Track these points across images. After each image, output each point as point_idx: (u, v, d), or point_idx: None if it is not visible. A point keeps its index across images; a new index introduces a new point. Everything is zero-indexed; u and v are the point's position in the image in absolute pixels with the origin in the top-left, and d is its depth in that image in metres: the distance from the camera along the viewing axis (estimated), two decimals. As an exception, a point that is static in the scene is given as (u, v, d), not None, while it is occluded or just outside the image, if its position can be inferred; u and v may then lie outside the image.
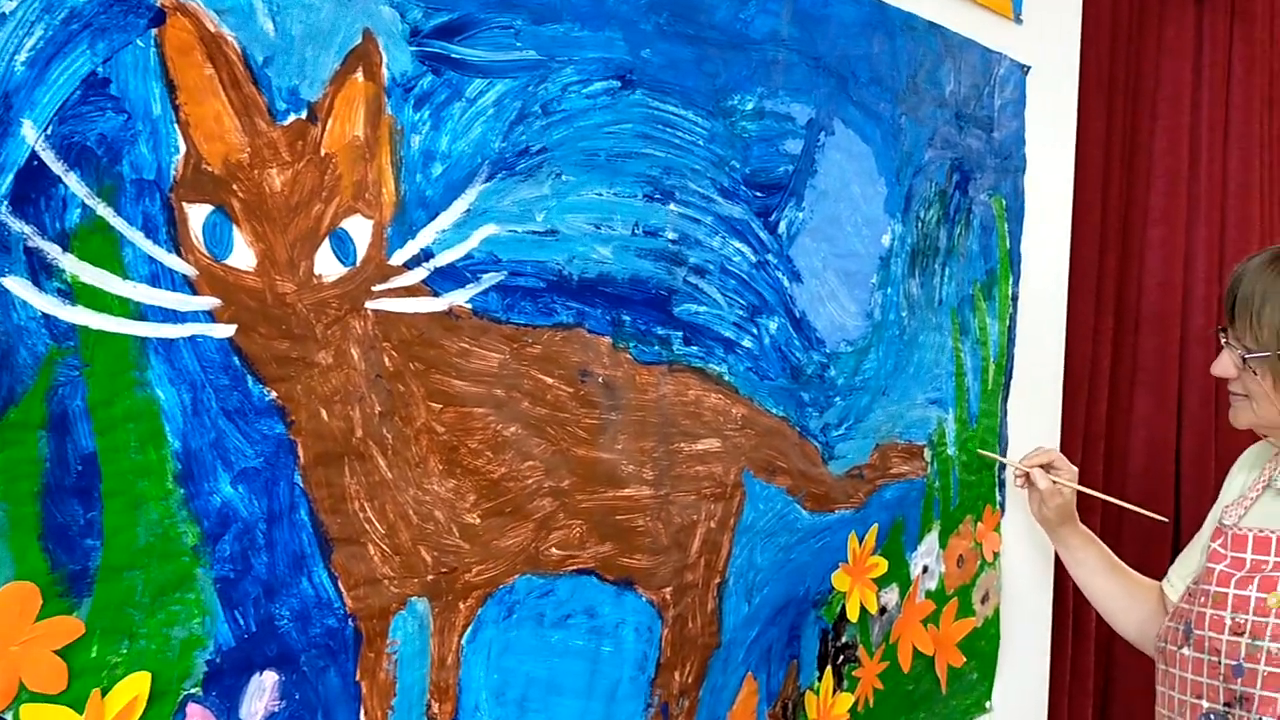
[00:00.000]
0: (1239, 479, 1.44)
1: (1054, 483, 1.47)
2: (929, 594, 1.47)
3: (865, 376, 1.33)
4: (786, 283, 1.21)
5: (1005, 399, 1.60)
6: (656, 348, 1.06)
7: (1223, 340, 1.31)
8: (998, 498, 1.59)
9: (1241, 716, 1.26)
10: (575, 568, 0.99)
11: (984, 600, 1.57)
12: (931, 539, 1.46)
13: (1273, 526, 1.30)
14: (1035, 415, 1.67)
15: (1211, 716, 1.30)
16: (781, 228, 1.20)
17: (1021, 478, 1.50)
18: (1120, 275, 2.04)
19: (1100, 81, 1.87)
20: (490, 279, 0.91)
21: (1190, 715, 1.32)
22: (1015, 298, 1.59)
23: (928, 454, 1.45)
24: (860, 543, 1.33)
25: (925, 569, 1.46)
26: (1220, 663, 1.27)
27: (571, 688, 0.99)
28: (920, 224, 1.40)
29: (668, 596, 1.08)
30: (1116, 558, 1.54)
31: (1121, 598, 1.51)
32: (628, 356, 1.03)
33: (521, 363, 0.94)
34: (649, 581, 1.06)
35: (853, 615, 1.31)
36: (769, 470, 1.20)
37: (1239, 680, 1.25)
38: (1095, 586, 1.53)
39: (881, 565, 1.35)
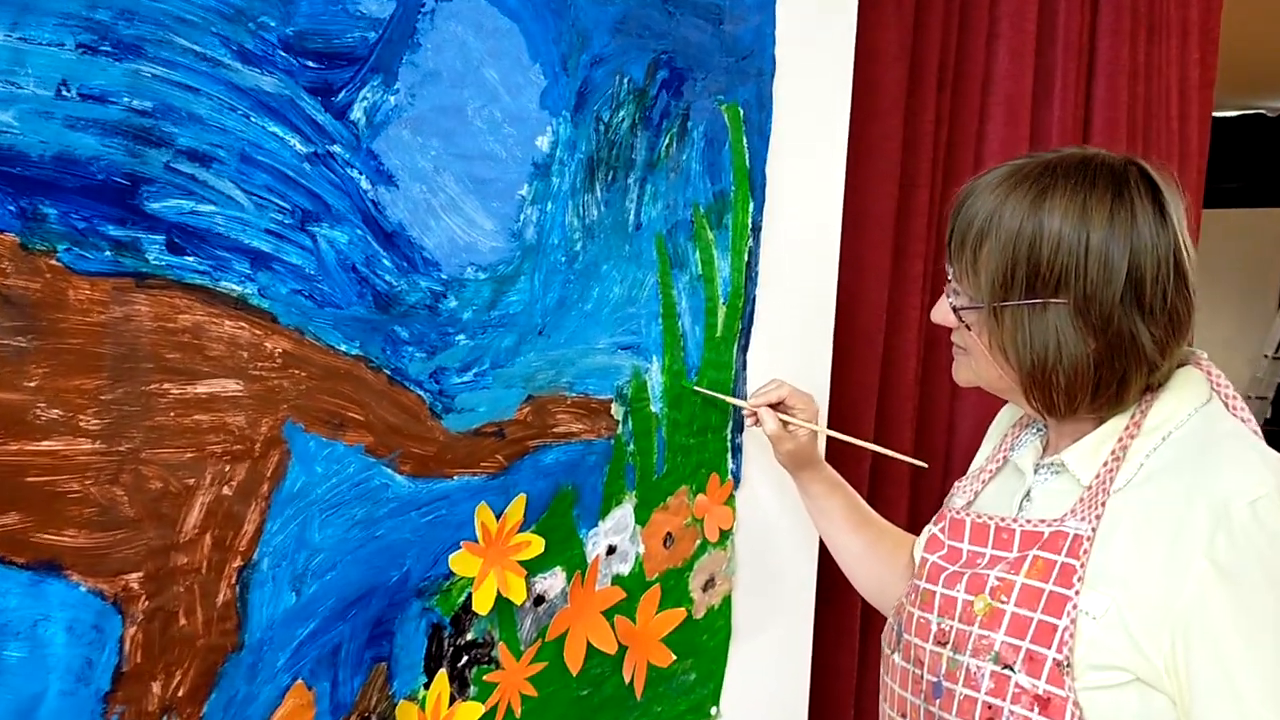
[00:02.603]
0: (987, 447, 1.19)
1: (785, 424, 1.22)
2: (619, 580, 1.21)
3: (510, 311, 1.07)
4: (367, 185, 0.94)
5: (745, 348, 1.33)
6: (109, 253, 0.79)
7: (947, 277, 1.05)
8: (729, 465, 1.33)
9: (939, 747, 1.00)
10: (-55, 546, 0.73)
11: (707, 587, 1.32)
12: (622, 514, 1.21)
13: (995, 512, 1.04)
14: (796, 369, 1.41)
15: (913, 741, 1.05)
16: (358, 113, 0.93)
17: (751, 418, 1.25)
18: (940, 213, 1.77)
19: (903, -19, 1.59)
20: None
21: (897, 734, 1.08)
22: (757, 228, 1.32)
23: (617, 410, 1.19)
24: (497, 517, 1.07)
25: (612, 549, 1.20)
26: (923, 678, 1.02)
27: (-59, 707, 0.74)
28: (604, 128, 1.13)
29: (133, 585, 0.82)
30: (868, 507, 1.29)
31: (863, 555, 1.26)
32: (53, 263, 0.76)
33: None
34: (94, 566, 0.80)
35: (482, 606, 1.05)
36: (332, 424, 0.94)
37: (937, 702, 0.99)
38: (838, 540, 1.28)
39: (535, 545, 1.10)
